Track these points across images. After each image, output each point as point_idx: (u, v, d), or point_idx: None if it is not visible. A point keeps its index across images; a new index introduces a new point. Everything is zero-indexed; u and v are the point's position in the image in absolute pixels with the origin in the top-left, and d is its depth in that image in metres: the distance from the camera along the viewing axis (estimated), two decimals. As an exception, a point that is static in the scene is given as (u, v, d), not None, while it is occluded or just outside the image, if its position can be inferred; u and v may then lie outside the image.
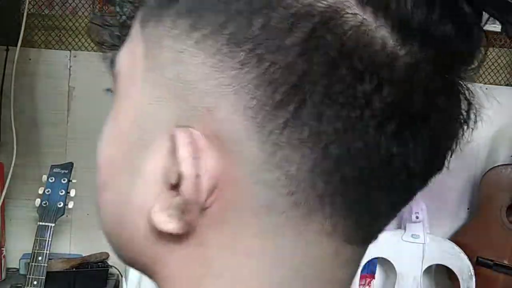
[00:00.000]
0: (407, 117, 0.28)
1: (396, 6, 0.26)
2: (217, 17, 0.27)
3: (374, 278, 2.21)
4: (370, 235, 0.33)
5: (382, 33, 0.26)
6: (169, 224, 0.28)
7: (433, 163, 0.33)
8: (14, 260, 1.98)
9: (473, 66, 0.30)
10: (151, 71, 0.29)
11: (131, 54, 0.31)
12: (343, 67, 0.26)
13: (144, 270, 0.32)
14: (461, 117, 0.32)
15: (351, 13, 0.26)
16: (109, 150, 0.33)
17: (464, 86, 0.31)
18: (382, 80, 0.27)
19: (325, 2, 0.26)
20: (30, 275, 1.56)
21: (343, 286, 0.33)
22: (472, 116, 0.32)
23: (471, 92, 0.31)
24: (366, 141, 0.27)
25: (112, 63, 0.32)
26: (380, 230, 0.34)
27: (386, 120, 0.27)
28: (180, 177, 0.27)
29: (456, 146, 0.34)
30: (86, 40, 2.01)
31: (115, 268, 1.98)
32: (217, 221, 0.29)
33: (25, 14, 1.85)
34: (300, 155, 0.27)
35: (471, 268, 2.03)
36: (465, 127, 0.32)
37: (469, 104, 0.31)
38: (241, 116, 0.27)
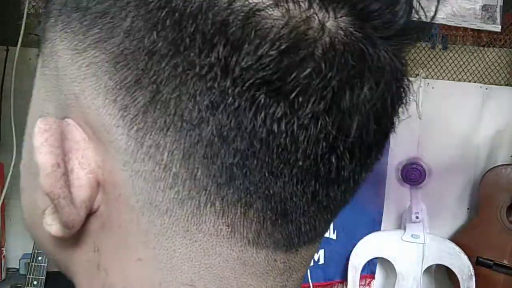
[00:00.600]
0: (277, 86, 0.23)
1: None
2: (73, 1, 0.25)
3: (374, 278, 2.21)
4: (300, 236, 0.28)
5: None
6: (53, 227, 0.26)
7: (354, 151, 0.27)
8: (14, 260, 1.99)
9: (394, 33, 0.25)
10: (42, 67, 0.28)
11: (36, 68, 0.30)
12: (189, 32, 0.22)
13: (64, 272, 0.31)
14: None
15: None
16: (23, 155, 0.31)
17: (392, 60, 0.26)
18: (236, 40, 0.22)
19: None
20: (30, 275, 1.57)
21: None
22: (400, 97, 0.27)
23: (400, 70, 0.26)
24: (241, 120, 0.23)
25: None
26: (317, 229, 0.29)
27: (254, 92, 0.23)
28: (43, 189, 0.24)
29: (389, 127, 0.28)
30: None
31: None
32: (107, 223, 0.26)
33: (25, 15, 1.85)
34: (170, 140, 0.24)
35: (471, 268, 2.03)
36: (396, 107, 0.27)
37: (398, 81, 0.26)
38: (104, 100, 0.24)
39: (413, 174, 2.13)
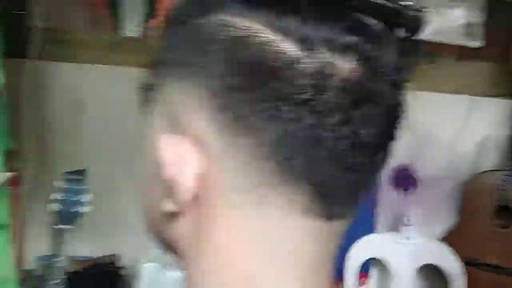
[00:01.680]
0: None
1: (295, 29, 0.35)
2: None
3: (367, 277, 2.31)
4: (335, 211, 0.38)
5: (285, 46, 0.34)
6: (169, 205, 0.38)
7: (379, 137, 0.38)
8: (27, 262, 2.06)
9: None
10: (157, 104, 0.42)
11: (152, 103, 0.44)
12: (257, 72, 0.34)
13: (169, 248, 0.43)
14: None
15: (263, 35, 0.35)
16: (145, 163, 0.45)
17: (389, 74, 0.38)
18: (285, 77, 0.34)
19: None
20: (47, 275, 1.64)
21: (312, 258, 0.38)
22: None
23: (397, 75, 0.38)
24: (289, 127, 0.35)
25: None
26: (346, 207, 0.39)
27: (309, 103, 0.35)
28: (167, 176, 0.37)
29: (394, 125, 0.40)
30: (96, 54, 2.11)
31: (126, 269, 2.06)
32: (204, 204, 0.38)
33: (38, 29, 1.95)
34: (245, 143, 0.35)
35: (461, 267, 2.14)
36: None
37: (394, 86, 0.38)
38: (206, 122, 0.36)
39: (405, 180, 2.24)
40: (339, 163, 0.36)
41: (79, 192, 1.72)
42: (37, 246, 2.07)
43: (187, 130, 0.37)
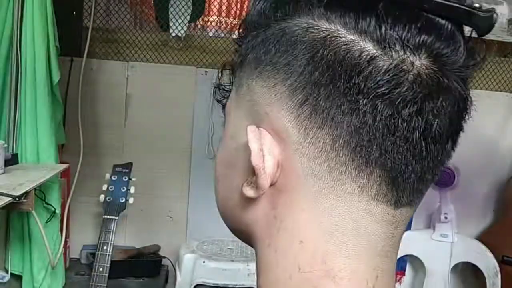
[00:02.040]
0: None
1: (373, 29, 0.38)
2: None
3: (404, 275, 2.34)
4: (403, 198, 0.40)
5: (363, 46, 0.38)
6: (250, 191, 0.41)
7: (449, 129, 0.39)
8: (74, 251, 2.17)
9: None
10: (237, 101, 0.45)
11: (230, 100, 0.48)
12: (336, 69, 0.38)
13: (241, 233, 0.47)
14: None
15: (342, 37, 0.38)
16: (220, 156, 0.48)
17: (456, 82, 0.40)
18: (364, 73, 0.37)
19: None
20: (96, 262, 1.73)
21: (380, 241, 0.40)
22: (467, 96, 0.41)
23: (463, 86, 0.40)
24: (367, 119, 0.37)
25: (223, 107, 0.49)
26: (414, 194, 0.40)
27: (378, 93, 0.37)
28: (253, 163, 0.40)
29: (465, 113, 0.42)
30: (141, 52, 2.20)
31: (168, 259, 2.15)
32: (281, 189, 0.40)
33: (90, 28, 2.04)
34: (324, 133, 0.38)
35: (497, 266, 2.14)
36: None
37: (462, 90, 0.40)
38: (285, 114, 0.39)
39: (443, 176, 2.23)
40: (412, 152, 0.38)
41: (126, 184, 1.80)
42: (84, 235, 2.19)
43: (269, 123, 0.41)
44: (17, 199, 1.30)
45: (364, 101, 0.37)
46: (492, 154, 2.32)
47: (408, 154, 0.38)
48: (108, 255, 1.74)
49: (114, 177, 1.81)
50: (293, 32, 0.39)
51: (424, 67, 0.38)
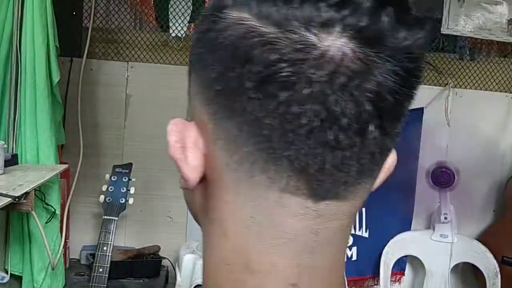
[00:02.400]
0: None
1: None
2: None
3: (404, 275, 2.34)
4: (321, 191, 0.37)
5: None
6: (183, 184, 0.41)
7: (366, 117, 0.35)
8: (74, 251, 2.17)
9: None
10: (188, 95, 0.45)
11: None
12: (235, 56, 0.35)
13: (196, 217, 0.47)
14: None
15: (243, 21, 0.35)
16: None
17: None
18: (260, 59, 0.34)
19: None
20: (96, 263, 1.73)
21: (301, 236, 0.38)
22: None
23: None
24: (272, 104, 0.35)
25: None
26: (338, 187, 0.37)
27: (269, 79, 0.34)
28: (169, 155, 0.40)
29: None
30: (141, 52, 2.20)
31: (167, 259, 2.15)
32: (209, 181, 0.40)
33: (90, 29, 2.04)
34: (231, 124, 0.37)
35: (497, 266, 2.14)
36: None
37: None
38: (204, 111, 0.39)
39: (442, 177, 2.24)
40: (317, 141, 0.35)
41: (126, 184, 1.80)
42: (84, 236, 2.19)
43: (196, 116, 0.40)
44: (16, 199, 1.30)
45: (262, 88, 0.35)
46: (492, 155, 2.32)
47: (313, 144, 0.35)
48: (108, 255, 1.74)
49: (114, 178, 1.81)
50: (207, 23, 0.38)
51: (335, 48, 0.34)
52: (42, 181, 1.45)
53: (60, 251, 1.73)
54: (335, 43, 0.34)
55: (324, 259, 0.39)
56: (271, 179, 0.37)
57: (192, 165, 0.40)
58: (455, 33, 2.32)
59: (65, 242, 1.94)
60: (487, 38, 2.39)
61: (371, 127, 0.36)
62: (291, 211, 0.37)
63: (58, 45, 1.80)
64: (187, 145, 0.40)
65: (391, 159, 0.42)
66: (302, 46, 0.34)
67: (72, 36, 2.12)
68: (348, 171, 0.36)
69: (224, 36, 0.36)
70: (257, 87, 0.35)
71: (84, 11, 2.15)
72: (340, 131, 0.35)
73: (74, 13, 2.12)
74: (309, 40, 0.34)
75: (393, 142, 0.39)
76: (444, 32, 2.30)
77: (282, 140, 0.35)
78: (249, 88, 0.35)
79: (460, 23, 2.34)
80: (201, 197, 0.42)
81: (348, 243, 0.43)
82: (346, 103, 0.34)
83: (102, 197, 1.79)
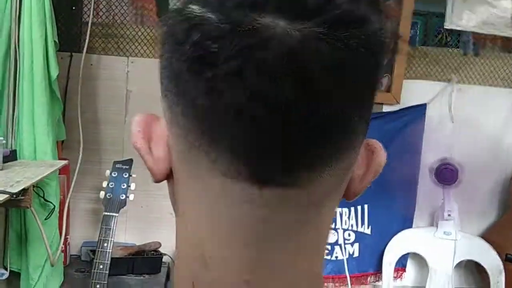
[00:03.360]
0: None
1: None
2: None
3: (405, 271, 2.33)
4: (265, 176, 0.34)
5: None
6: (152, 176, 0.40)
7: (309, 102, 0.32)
8: (75, 248, 2.16)
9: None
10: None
11: None
12: (168, 41, 0.35)
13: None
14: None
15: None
16: None
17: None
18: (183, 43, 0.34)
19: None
20: (96, 259, 1.72)
21: (251, 227, 0.35)
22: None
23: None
24: (197, 83, 0.33)
25: None
26: (285, 173, 0.34)
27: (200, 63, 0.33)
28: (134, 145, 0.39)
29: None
30: (142, 47, 2.18)
31: (168, 256, 2.14)
32: (174, 174, 0.39)
33: (89, 24, 2.03)
34: (177, 112, 0.36)
35: (501, 264, 2.13)
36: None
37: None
38: (162, 99, 0.38)
39: (446, 174, 2.22)
40: (247, 119, 0.32)
41: (126, 180, 1.79)
42: (84, 232, 2.17)
43: (164, 113, 0.40)
44: (14, 196, 1.28)
45: (192, 67, 0.34)
46: (497, 151, 2.30)
47: (246, 124, 0.33)
48: (109, 252, 1.73)
49: (114, 174, 1.79)
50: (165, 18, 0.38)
51: (264, 25, 0.32)
52: (40, 177, 1.44)
53: (59, 247, 1.72)
54: (264, 21, 0.32)
55: (282, 254, 0.37)
56: (214, 164, 0.35)
57: (156, 157, 0.39)
58: (458, 28, 2.30)
59: (65, 239, 1.92)
60: (491, 34, 2.36)
61: (312, 106, 0.32)
62: (236, 198, 0.35)
63: (57, 40, 1.79)
64: (152, 137, 0.39)
65: (379, 159, 0.40)
66: (227, 24, 0.32)
67: (72, 31, 2.11)
68: (292, 155, 0.33)
69: (167, 24, 0.36)
70: (189, 67, 0.34)
71: (84, 5, 2.13)
72: (276, 113, 0.32)
73: (73, 7, 2.10)
74: (236, 18, 0.32)
75: (354, 125, 0.35)
76: (447, 27, 2.28)
77: (216, 120, 0.33)
78: (184, 69, 0.34)
79: (463, 18, 2.31)
80: (171, 192, 0.41)
81: (325, 240, 0.40)
82: (276, 80, 0.31)
83: (102, 193, 1.77)
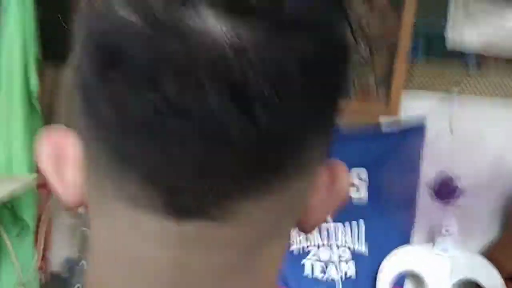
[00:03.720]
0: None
1: None
2: None
3: (402, 291, 2.24)
4: (183, 206, 0.28)
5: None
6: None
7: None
8: (56, 265, 2.10)
9: None
10: None
11: None
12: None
13: None
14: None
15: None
16: None
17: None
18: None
19: None
20: (72, 278, 1.67)
21: (161, 271, 0.29)
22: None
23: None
24: (104, 94, 0.28)
25: None
26: (205, 202, 0.28)
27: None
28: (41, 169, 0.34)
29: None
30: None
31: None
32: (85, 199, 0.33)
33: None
34: (81, 125, 0.31)
35: (502, 284, 2.03)
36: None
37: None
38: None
39: (445, 189, 2.15)
40: (157, 135, 0.27)
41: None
42: (63, 249, 2.12)
43: None
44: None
45: (100, 72, 0.28)
46: (499, 166, 2.21)
47: (153, 144, 0.27)
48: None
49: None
50: None
51: (192, 29, 0.26)
52: (6, 194, 1.39)
53: (32, 265, 1.67)
54: (194, 21, 0.26)
55: None
56: (121, 190, 0.29)
57: (66, 181, 0.32)
58: (461, 50, 2.20)
59: (44, 256, 1.88)
60: (497, 55, 2.25)
61: (245, 121, 0.26)
62: (146, 233, 0.28)
63: (38, 51, 1.76)
64: (63, 158, 0.32)
65: (342, 184, 0.33)
66: (148, 25, 0.26)
67: (57, 43, 2.07)
68: (220, 180, 0.27)
69: (81, 25, 0.30)
70: (97, 73, 0.28)
71: (72, 15, 2.09)
72: (196, 124, 0.26)
73: (59, 17, 2.07)
74: (159, 17, 0.26)
75: (304, 143, 0.29)
76: (449, 49, 2.19)
77: (121, 135, 0.28)
78: (93, 77, 0.28)
79: (466, 37, 2.20)
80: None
81: (280, 262, 0.33)
82: (200, 90, 0.26)
83: (81, 208, 1.72)
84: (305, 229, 0.34)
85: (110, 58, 0.27)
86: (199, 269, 0.29)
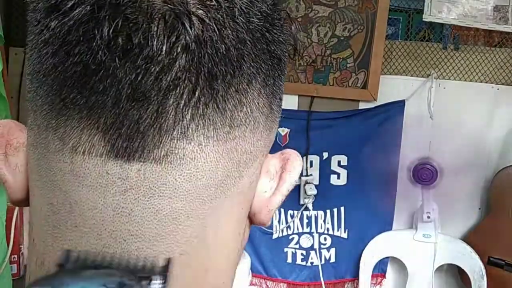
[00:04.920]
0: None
1: None
2: None
3: (385, 277, 2.22)
4: (117, 146, 0.27)
5: None
6: None
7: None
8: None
9: None
10: None
11: None
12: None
13: None
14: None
15: None
16: None
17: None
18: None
19: None
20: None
21: (110, 221, 0.28)
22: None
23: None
24: (40, 39, 0.30)
25: None
26: (157, 146, 0.27)
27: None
28: None
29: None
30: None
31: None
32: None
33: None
34: (33, 78, 0.31)
35: (483, 267, 2.03)
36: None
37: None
38: None
39: (425, 174, 2.13)
40: (92, 77, 0.27)
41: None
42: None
43: None
44: None
45: (43, 17, 0.30)
46: (478, 149, 2.20)
47: (90, 87, 0.27)
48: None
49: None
50: None
51: None
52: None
53: (5, 259, 1.59)
54: None
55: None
56: (63, 138, 0.28)
57: (13, 168, 0.32)
58: (437, 21, 2.20)
59: (18, 249, 1.80)
60: (471, 26, 2.27)
61: (165, 59, 0.27)
62: (87, 180, 0.27)
63: (2, 34, 1.66)
64: (12, 145, 0.33)
65: (294, 170, 0.33)
66: None
67: (26, 25, 1.98)
68: (160, 122, 0.27)
69: None
70: (41, 18, 0.30)
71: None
72: (136, 63, 0.27)
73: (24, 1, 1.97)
74: None
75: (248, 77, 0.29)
76: (426, 20, 2.18)
77: (62, 80, 0.28)
78: (32, 20, 0.31)
79: (443, 10, 2.22)
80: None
81: (232, 252, 0.33)
82: (142, 28, 0.27)
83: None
84: (261, 219, 0.33)
85: (51, 6, 0.29)
86: (142, 216, 0.28)
